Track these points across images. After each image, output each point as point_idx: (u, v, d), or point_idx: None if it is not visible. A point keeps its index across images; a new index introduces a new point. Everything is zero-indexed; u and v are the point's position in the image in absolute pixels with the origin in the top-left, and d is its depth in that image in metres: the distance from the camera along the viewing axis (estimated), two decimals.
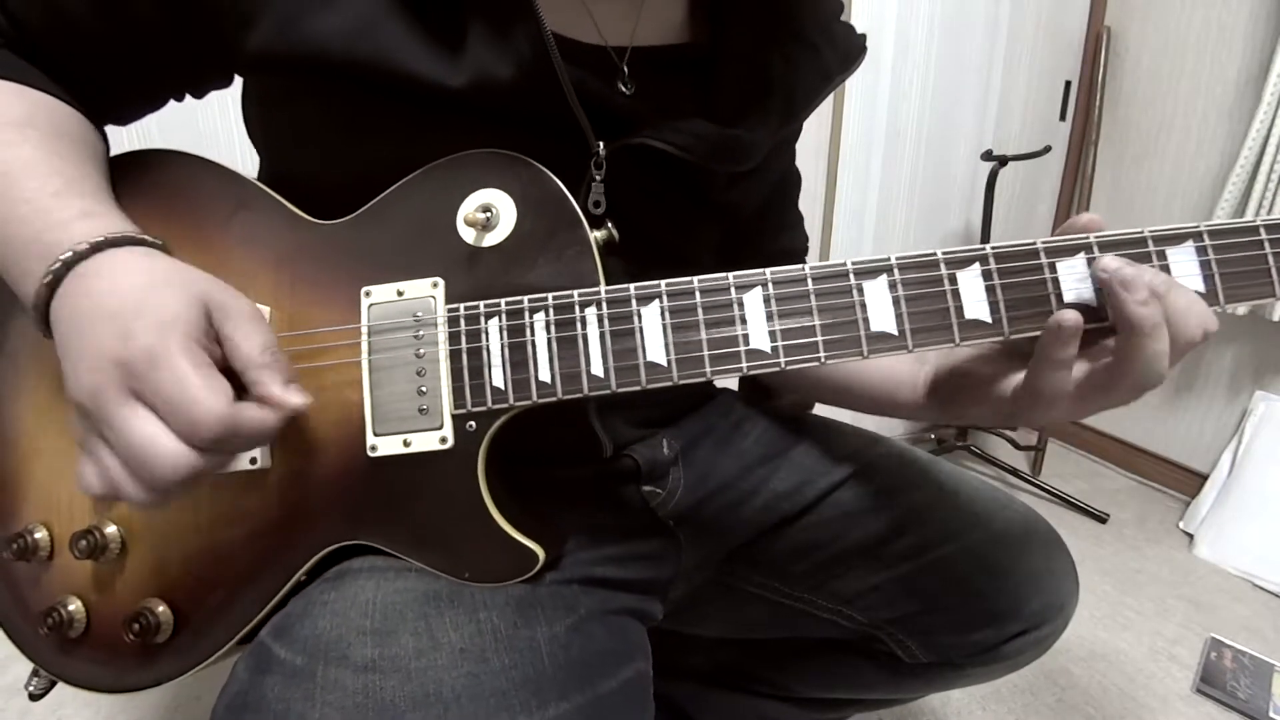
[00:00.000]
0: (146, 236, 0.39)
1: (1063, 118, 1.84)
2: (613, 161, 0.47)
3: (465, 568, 0.42)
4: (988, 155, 1.62)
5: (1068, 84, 1.82)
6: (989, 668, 0.60)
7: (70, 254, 0.36)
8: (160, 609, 0.43)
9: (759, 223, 0.64)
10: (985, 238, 1.66)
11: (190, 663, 0.43)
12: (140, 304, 0.34)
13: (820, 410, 0.73)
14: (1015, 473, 1.71)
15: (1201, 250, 0.39)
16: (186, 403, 0.32)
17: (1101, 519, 1.58)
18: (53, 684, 0.47)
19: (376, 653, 0.38)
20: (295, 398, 0.36)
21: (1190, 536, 1.52)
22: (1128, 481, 1.78)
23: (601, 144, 0.46)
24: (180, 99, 0.51)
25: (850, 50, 0.57)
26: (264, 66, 0.44)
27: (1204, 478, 1.59)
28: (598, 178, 0.47)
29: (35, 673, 0.46)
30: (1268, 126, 1.40)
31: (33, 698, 0.47)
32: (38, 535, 0.44)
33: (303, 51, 0.41)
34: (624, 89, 0.48)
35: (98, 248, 0.36)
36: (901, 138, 1.63)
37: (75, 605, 0.44)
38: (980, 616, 0.57)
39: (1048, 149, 1.64)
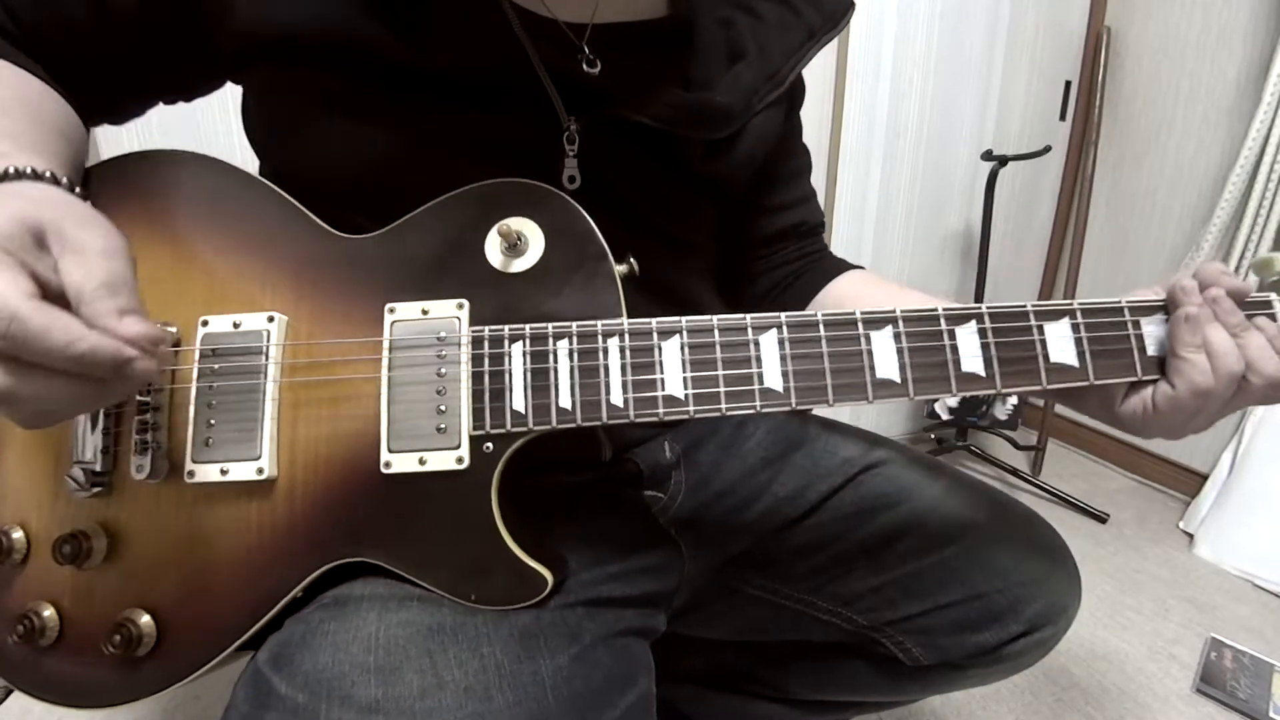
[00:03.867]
0: (30, 169, 0.37)
1: (1063, 118, 1.84)
2: (587, 137, 0.47)
3: (471, 590, 0.41)
4: (988, 155, 1.61)
5: (1068, 84, 1.82)
6: (990, 669, 0.60)
7: None
8: (143, 620, 0.41)
9: (753, 205, 0.63)
10: (985, 238, 1.66)
11: (171, 678, 0.42)
12: None
13: (822, 412, 0.73)
14: (1015, 473, 1.71)
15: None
16: None
17: (1101, 519, 1.58)
18: (7, 694, 0.45)
19: (380, 692, 0.37)
20: (131, 327, 0.32)
21: (1190, 536, 1.52)
22: (1128, 481, 1.78)
23: (573, 120, 0.47)
24: (171, 102, 0.52)
25: (835, 9, 0.57)
26: (243, 53, 0.45)
27: (1204, 478, 1.59)
28: (570, 153, 0.47)
29: None
30: (1268, 126, 1.40)
31: None
32: (14, 536, 0.43)
33: (274, 34, 0.42)
34: (587, 67, 0.48)
35: None
36: (901, 138, 1.63)
37: (49, 612, 0.42)
38: (982, 618, 0.57)
39: (1048, 149, 1.64)
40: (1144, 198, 1.71)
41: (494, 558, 0.41)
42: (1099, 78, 1.72)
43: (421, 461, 0.41)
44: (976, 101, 1.70)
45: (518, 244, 0.43)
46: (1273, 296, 0.43)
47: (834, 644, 0.64)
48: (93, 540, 0.42)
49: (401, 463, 0.41)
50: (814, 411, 0.72)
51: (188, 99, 0.52)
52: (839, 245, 1.62)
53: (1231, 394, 0.42)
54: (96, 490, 0.42)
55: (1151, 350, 0.43)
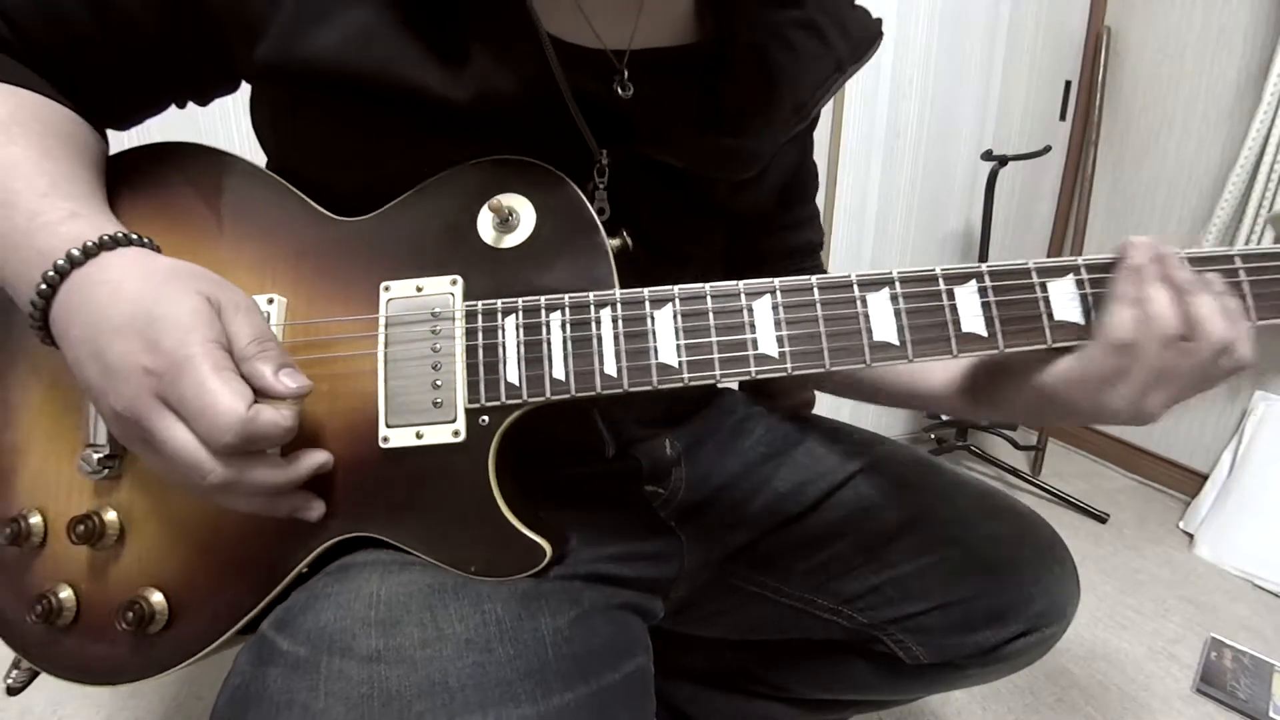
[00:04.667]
0: (135, 235, 0.39)
1: (1063, 118, 1.84)
2: (615, 168, 0.47)
3: (472, 562, 0.42)
4: (988, 155, 1.62)
5: (1068, 84, 1.82)
6: (990, 668, 0.60)
7: (64, 261, 0.36)
8: (155, 598, 0.42)
9: (764, 225, 0.63)
10: (985, 237, 1.66)
11: (183, 655, 0.43)
12: (152, 310, 0.35)
13: (822, 410, 0.73)
14: (1015, 473, 1.71)
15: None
16: (207, 410, 0.33)
17: (1101, 519, 1.58)
18: (34, 676, 0.46)
19: (381, 643, 0.37)
20: (287, 382, 0.36)
21: (1190, 536, 1.52)
22: (1128, 481, 1.78)
23: (605, 152, 0.46)
24: (182, 105, 0.51)
25: (864, 37, 0.55)
26: (271, 78, 0.44)
27: (1204, 478, 1.59)
28: (600, 185, 0.47)
29: (15, 664, 0.46)
30: (1268, 126, 1.40)
31: (10, 691, 0.46)
32: (33, 521, 0.44)
33: (307, 65, 0.41)
34: (621, 91, 0.48)
35: (88, 253, 0.37)
36: (901, 138, 1.63)
37: (66, 593, 0.43)
38: (982, 617, 0.57)
39: (1048, 149, 1.64)
40: (1144, 198, 1.72)
41: (492, 529, 0.41)
42: (1099, 78, 1.72)
43: (419, 436, 0.41)
44: (976, 101, 1.70)
45: (509, 219, 0.43)
46: (1234, 250, 0.41)
47: (834, 642, 0.64)
48: (106, 521, 0.43)
49: (399, 437, 0.41)
50: (815, 410, 0.73)
51: (202, 103, 0.52)
52: (839, 245, 1.63)
53: (1163, 362, 0.39)
54: (107, 471, 0.43)
55: None
